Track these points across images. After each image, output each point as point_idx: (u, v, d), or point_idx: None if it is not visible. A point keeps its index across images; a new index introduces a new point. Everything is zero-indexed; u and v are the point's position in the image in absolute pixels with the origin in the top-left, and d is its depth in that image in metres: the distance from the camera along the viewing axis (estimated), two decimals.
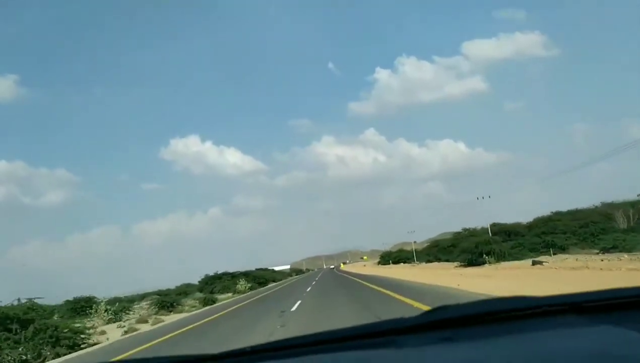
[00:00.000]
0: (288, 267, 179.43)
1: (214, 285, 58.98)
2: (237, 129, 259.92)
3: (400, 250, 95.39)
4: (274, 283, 65.98)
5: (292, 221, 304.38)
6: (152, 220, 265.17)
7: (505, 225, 49.00)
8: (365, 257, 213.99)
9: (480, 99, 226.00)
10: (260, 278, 58.62)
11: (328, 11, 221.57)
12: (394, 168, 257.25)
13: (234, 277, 62.89)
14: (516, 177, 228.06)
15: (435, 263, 49.03)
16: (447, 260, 50.34)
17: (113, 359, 9.92)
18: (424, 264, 53.22)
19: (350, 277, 40.61)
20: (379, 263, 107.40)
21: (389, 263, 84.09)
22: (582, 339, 0.97)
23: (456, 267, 33.47)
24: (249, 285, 44.08)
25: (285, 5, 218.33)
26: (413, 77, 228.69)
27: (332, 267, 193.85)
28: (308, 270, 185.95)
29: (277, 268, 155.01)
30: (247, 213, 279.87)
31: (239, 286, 42.82)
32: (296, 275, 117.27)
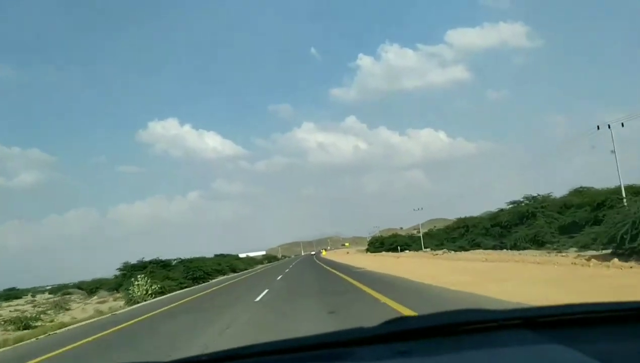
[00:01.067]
0: (263, 252, 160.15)
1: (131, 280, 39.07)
2: (217, 112, 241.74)
3: (395, 235, 76.50)
4: (227, 276, 46.15)
5: (271, 207, 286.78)
6: (129, 204, 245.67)
7: (589, 190, 30.07)
8: (347, 244, 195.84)
9: (463, 87, 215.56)
10: (199, 269, 38.54)
11: None
12: (375, 156, 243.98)
13: (165, 266, 42.89)
14: (497, 167, 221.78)
15: (479, 252, 29.73)
16: (496, 247, 31.18)
17: None
18: (452, 254, 33.83)
19: (340, 273, 21.21)
20: (367, 250, 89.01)
21: (389, 251, 65.00)
22: (532, 358, 1.00)
23: (589, 260, 14.09)
24: (158, 285, 24.19)
25: None
26: (396, 64, 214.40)
27: (312, 253, 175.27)
28: (284, 257, 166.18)
29: (251, 254, 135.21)
30: (227, 198, 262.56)
31: (133, 289, 22.87)
32: (268, 262, 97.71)
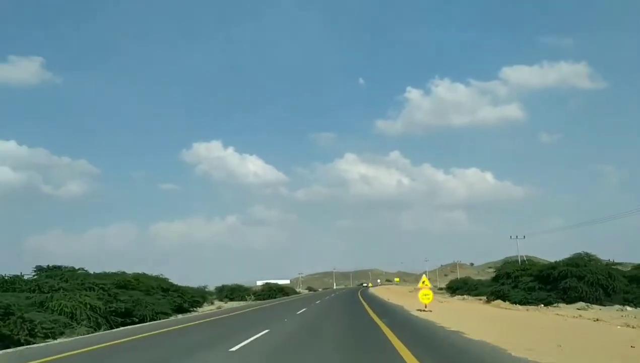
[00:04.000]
0: (287, 282, 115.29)
1: None
2: (260, 137, 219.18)
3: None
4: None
5: (306, 236, 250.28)
6: (168, 222, 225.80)
7: None
8: (397, 279, 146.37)
9: (514, 128, 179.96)
10: None
11: (363, 26, 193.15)
12: (417, 192, 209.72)
13: None
14: (543, 215, 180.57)
15: None
16: None
17: None
18: None
19: None
20: (450, 290, 41.90)
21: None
22: None
23: None
24: None
25: (320, 17, 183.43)
26: (445, 98, 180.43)
27: (364, 284, 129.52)
28: (310, 289, 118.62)
29: (271, 282, 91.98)
30: (262, 224, 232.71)
31: None
32: (258, 299, 51.52)
